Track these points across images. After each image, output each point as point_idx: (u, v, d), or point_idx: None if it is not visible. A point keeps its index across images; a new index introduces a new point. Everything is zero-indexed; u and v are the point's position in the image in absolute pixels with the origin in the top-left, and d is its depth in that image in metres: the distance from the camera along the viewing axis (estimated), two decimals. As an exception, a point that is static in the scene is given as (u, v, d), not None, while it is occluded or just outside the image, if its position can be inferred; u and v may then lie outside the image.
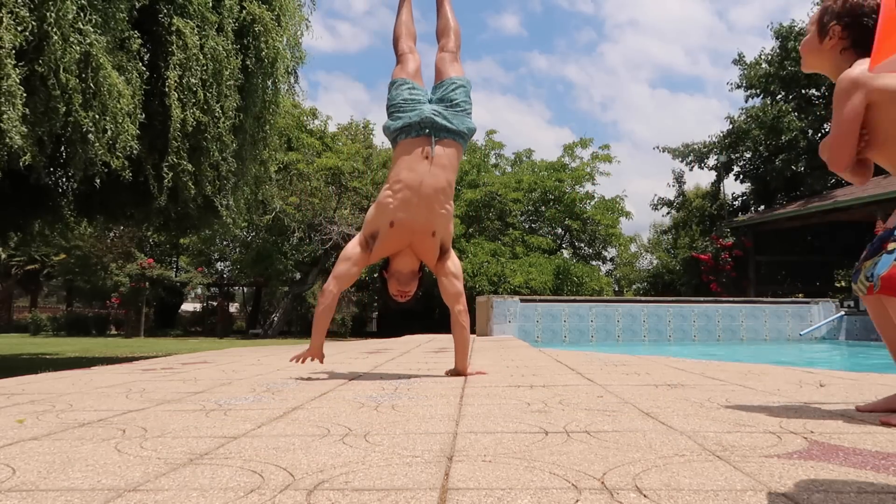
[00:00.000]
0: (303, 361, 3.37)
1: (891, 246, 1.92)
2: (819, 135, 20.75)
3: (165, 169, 6.57)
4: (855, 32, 1.99)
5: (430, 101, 3.33)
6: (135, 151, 6.06)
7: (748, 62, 22.45)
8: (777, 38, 21.22)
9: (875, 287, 1.91)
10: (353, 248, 3.27)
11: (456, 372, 3.38)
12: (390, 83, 3.41)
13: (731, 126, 22.18)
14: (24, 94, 4.92)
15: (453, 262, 3.30)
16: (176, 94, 6.40)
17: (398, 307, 3.54)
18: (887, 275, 1.87)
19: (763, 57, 22.08)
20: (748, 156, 22.58)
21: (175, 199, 7.09)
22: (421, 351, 5.84)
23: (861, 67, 1.95)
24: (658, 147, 24.92)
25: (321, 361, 3.40)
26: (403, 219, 3.14)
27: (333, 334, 23.98)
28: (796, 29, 20.32)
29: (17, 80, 4.83)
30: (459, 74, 3.39)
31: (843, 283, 24.16)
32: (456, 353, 3.38)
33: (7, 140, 4.81)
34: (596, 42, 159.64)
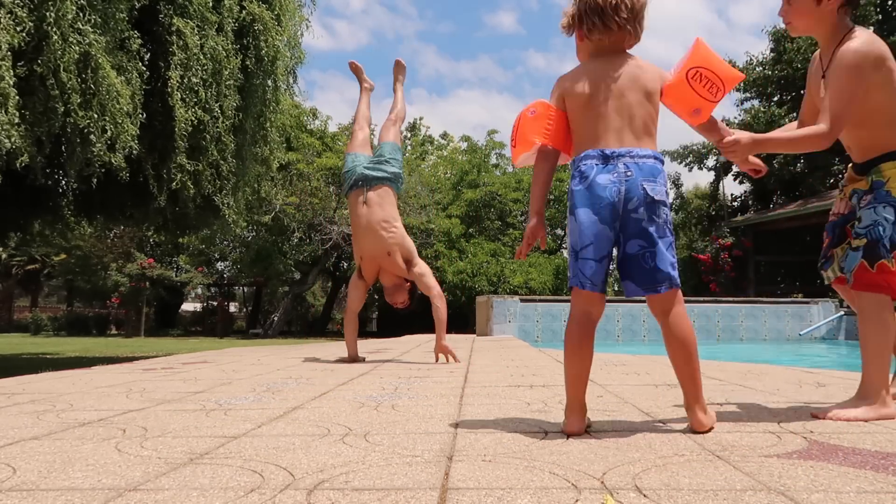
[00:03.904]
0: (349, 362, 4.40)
1: (855, 242, 2.01)
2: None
3: (173, 170, 6.57)
4: None
5: (370, 160, 4.47)
6: (134, 151, 6.06)
7: (740, 66, 22.43)
8: (772, 41, 21.20)
9: (848, 282, 2.02)
10: (353, 279, 4.45)
11: (437, 349, 4.39)
12: (344, 159, 4.71)
13: None
14: (18, 97, 4.91)
15: (419, 268, 4.29)
16: (179, 95, 6.40)
17: (401, 312, 4.68)
18: (858, 273, 1.98)
19: (757, 60, 22.06)
20: (747, 155, 22.53)
21: (175, 199, 7.09)
22: (421, 351, 5.84)
23: (876, 43, 1.94)
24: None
25: (362, 361, 4.46)
26: (365, 251, 4.29)
27: (335, 334, 23.98)
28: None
29: (12, 83, 4.82)
30: (392, 139, 4.61)
31: (842, 283, 24.09)
32: (436, 329, 4.38)
33: (0, 144, 4.80)
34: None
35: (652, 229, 1.71)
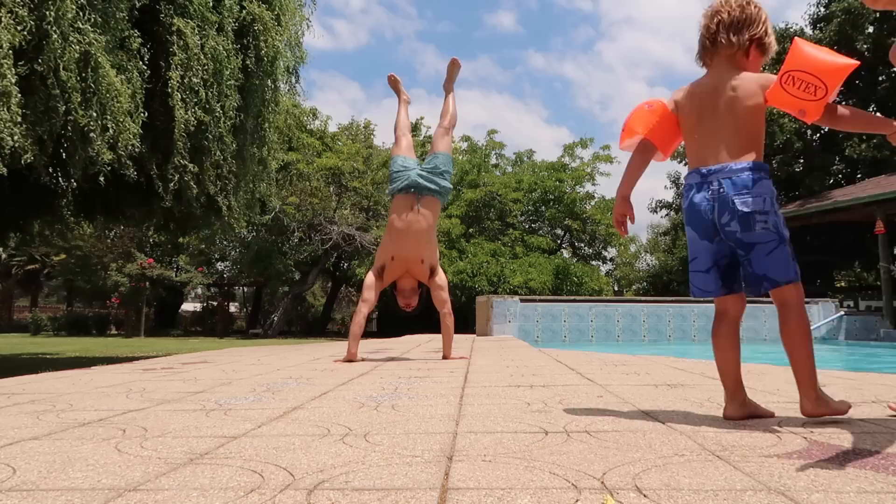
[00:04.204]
0: (345, 361, 4.49)
1: None
2: (817, 135, 20.72)
3: (171, 171, 6.57)
4: None
5: (420, 167, 4.59)
6: (137, 150, 6.06)
7: None
8: None
9: None
10: (370, 278, 4.53)
11: (444, 356, 4.64)
12: (391, 161, 4.77)
13: None
14: (20, 96, 4.92)
15: (440, 278, 4.55)
16: (179, 95, 6.40)
17: (403, 313, 4.79)
18: None
19: None
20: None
21: (178, 198, 7.09)
22: (421, 351, 5.84)
23: None
24: None
25: (360, 361, 4.54)
26: (400, 253, 4.44)
27: (335, 334, 24.00)
28: (791, 31, 20.31)
29: (13, 81, 4.82)
30: (445, 148, 4.71)
31: (843, 283, 24.10)
32: (444, 343, 4.69)
33: (3, 141, 4.80)
34: (594, 39, 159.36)
35: (748, 238, 1.84)
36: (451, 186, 4.63)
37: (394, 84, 5.09)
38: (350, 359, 4.47)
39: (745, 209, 1.83)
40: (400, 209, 4.47)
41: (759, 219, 1.83)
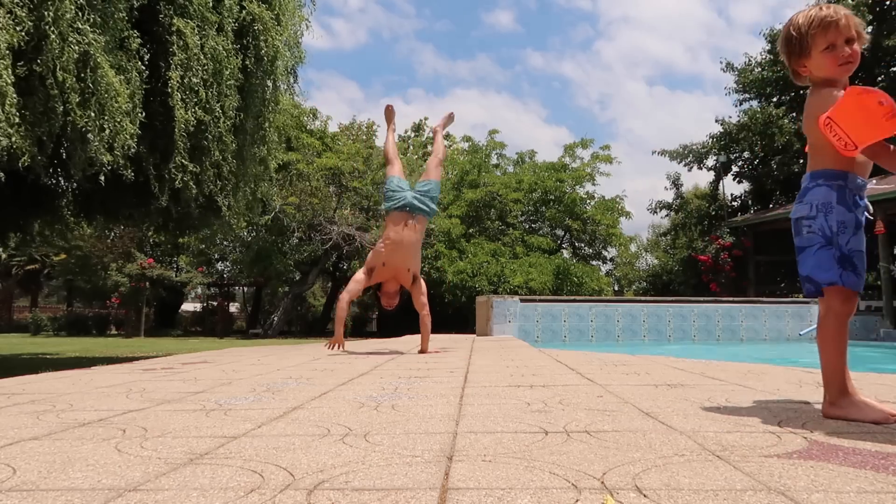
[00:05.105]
0: (331, 347, 5.37)
1: None
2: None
3: (173, 170, 6.57)
4: None
5: (413, 189, 5.36)
6: (132, 151, 6.05)
7: (738, 68, 22.40)
8: (769, 42, 21.18)
9: None
10: (359, 274, 5.30)
11: (421, 350, 5.34)
12: (387, 179, 5.58)
13: (722, 130, 22.14)
14: (18, 97, 4.92)
15: (420, 284, 5.31)
16: (179, 95, 6.39)
17: (391, 312, 5.72)
18: None
19: (754, 61, 22.04)
20: (746, 156, 22.56)
21: (176, 199, 7.08)
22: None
23: None
24: (656, 151, 24.71)
25: (343, 347, 5.40)
26: (391, 260, 5.19)
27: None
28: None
29: (10, 81, 4.82)
30: (437, 177, 5.61)
31: (842, 283, 23.94)
32: (422, 339, 5.45)
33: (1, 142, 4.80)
34: (592, 39, 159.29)
35: (797, 243, 1.96)
36: (438, 210, 5.48)
37: (389, 114, 5.90)
38: (337, 341, 5.30)
39: (794, 216, 1.96)
40: (395, 223, 5.22)
41: (804, 224, 1.92)
